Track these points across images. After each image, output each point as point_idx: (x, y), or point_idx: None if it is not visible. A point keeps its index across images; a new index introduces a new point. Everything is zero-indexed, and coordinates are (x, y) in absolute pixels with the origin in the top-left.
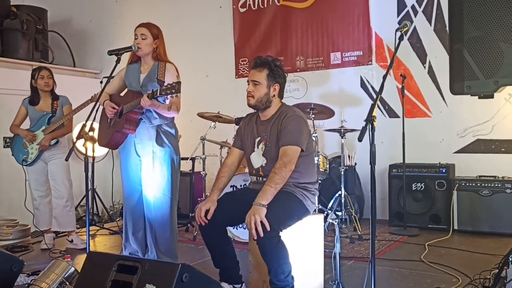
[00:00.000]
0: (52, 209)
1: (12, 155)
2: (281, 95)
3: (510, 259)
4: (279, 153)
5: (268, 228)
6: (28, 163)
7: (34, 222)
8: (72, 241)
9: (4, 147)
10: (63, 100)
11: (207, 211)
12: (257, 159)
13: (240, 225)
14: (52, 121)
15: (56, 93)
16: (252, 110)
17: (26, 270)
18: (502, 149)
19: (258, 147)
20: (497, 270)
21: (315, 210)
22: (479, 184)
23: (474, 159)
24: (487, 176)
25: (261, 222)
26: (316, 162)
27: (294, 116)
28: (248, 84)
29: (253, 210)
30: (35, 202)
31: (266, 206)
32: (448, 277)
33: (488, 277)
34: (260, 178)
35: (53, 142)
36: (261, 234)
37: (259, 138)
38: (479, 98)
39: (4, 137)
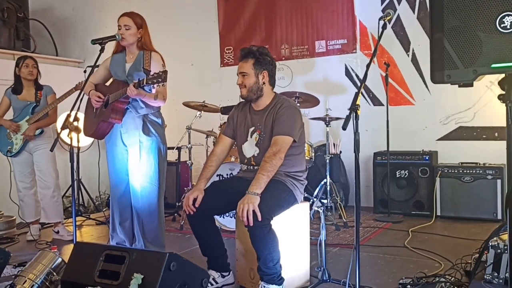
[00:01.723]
0: (37, 201)
1: None
2: (272, 82)
3: (490, 244)
4: (271, 142)
5: (260, 218)
6: (13, 154)
7: (19, 214)
8: (58, 232)
9: None
10: (47, 89)
11: (194, 200)
12: (250, 149)
13: (227, 214)
14: (36, 111)
15: (40, 83)
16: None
17: (13, 262)
18: (484, 136)
19: (251, 137)
20: (477, 255)
21: None
22: (461, 171)
23: (456, 146)
24: (469, 163)
25: (253, 211)
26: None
27: (289, 106)
28: (238, 76)
29: (246, 198)
30: (20, 193)
31: (260, 195)
32: (431, 262)
33: (469, 261)
34: (252, 167)
35: (37, 132)
36: (251, 223)
37: (253, 128)
38: (459, 86)
39: None
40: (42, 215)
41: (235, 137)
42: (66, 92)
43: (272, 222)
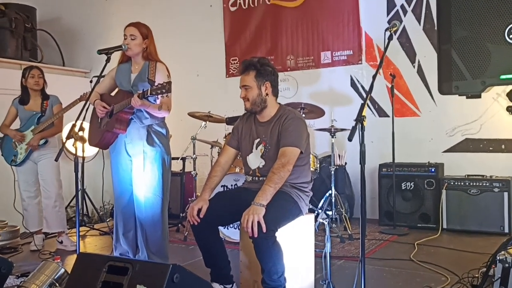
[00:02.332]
0: (40, 210)
1: (2, 155)
2: (275, 92)
3: (498, 258)
4: (278, 154)
5: (264, 230)
6: (17, 163)
7: (23, 223)
8: (62, 242)
9: None
10: (53, 99)
11: (199, 210)
12: (255, 160)
13: (231, 225)
14: (41, 121)
15: (47, 93)
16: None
17: (16, 272)
18: (490, 148)
19: (257, 149)
20: (485, 269)
21: None
22: (467, 183)
23: (462, 158)
24: (475, 175)
25: (258, 222)
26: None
27: (295, 118)
28: (241, 90)
29: (252, 209)
30: (24, 203)
31: (265, 207)
32: (437, 275)
33: (477, 275)
34: (257, 178)
35: (42, 142)
36: (256, 235)
37: (258, 140)
38: (467, 98)
39: None
40: (44, 225)
41: (240, 148)
42: (70, 103)
43: (276, 233)
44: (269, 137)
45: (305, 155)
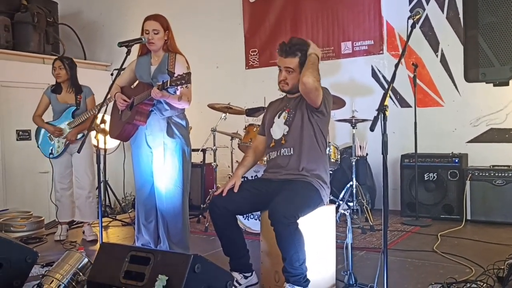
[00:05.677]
0: (72, 202)
1: (38, 147)
2: None
3: None
4: None
5: None
6: (55, 156)
7: (56, 215)
8: (84, 232)
9: (17, 140)
10: (86, 91)
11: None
12: (278, 129)
13: (252, 216)
14: (76, 114)
15: (79, 84)
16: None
17: (40, 261)
18: None
19: (279, 117)
20: (511, 260)
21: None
22: (492, 174)
23: (487, 148)
24: (500, 166)
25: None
26: (327, 152)
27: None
28: (280, 70)
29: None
30: (57, 194)
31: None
32: (461, 267)
33: (502, 267)
34: (280, 151)
35: (79, 136)
36: None
37: (281, 110)
38: (494, 85)
39: (16, 130)
40: (76, 214)
41: (265, 128)
42: (100, 103)
43: (298, 221)
44: (293, 104)
45: (326, 120)
